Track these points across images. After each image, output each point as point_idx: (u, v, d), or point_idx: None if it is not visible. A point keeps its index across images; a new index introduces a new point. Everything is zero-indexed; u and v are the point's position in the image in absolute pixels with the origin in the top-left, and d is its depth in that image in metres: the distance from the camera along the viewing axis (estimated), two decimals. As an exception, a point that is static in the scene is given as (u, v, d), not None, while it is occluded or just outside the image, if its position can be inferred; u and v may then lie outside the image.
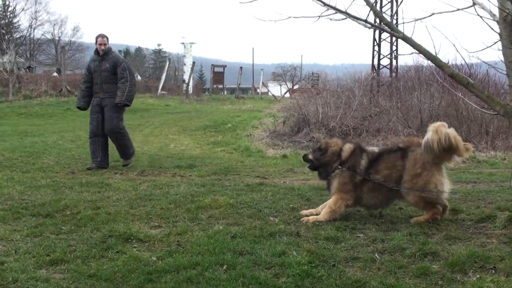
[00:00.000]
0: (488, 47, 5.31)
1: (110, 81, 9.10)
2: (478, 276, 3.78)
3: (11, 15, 61.67)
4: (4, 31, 51.49)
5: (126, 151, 9.34)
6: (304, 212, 5.70)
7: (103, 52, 9.15)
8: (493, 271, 3.87)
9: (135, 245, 4.59)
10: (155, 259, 4.21)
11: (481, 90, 5.56)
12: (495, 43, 5.17)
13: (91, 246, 4.52)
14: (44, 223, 5.28)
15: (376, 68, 23.97)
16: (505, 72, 5.27)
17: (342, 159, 5.61)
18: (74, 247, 4.50)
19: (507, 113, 5.13)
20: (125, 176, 8.34)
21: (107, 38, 9.25)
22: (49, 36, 67.13)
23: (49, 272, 3.94)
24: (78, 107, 9.57)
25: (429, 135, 5.16)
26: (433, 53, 5.38)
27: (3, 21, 59.43)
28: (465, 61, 16.12)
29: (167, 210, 5.86)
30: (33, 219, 5.45)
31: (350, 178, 5.50)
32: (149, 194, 6.71)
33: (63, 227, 5.15)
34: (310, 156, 5.89)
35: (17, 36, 62.59)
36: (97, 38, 9.23)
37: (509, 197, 6.39)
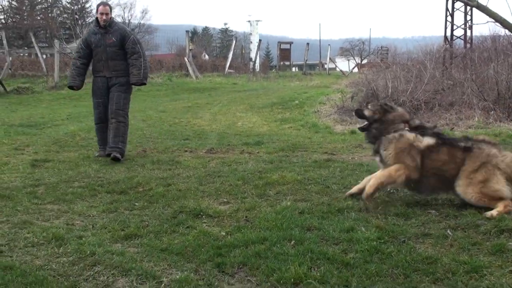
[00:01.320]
0: None
1: (118, 57, 7.88)
2: (558, 254, 3.60)
3: (83, 1, 63.78)
4: (77, 17, 53.34)
5: (121, 141, 7.84)
6: (350, 191, 5.38)
7: (106, 23, 7.81)
8: None
9: (205, 221, 4.70)
10: (224, 234, 4.29)
11: None
12: None
13: (163, 222, 4.66)
14: (118, 200, 5.50)
15: (449, 39, 22.96)
16: None
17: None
18: (146, 223, 4.66)
19: None
20: (194, 154, 8.52)
21: (111, 8, 8.01)
22: (119, 20, 69.12)
23: (124, 246, 4.11)
24: (71, 87, 8.29)
25: None
26: (511, 22, 5.10)
27: (76, 7, 61.57)
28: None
29: (236, 186, 5.94)
30: (108, 196, 5.69)
31: (410, 146, 4.93)
32: (218, 171, 6.82)
33: (136, 203, 5.35)
34: (367, 112, 5.29)
35: (90, 21, 64.86)
36: (98, 6, 7.92)
37: None
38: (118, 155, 7.61)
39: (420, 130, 5.12)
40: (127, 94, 8.04)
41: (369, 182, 5.06)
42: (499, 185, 4.69)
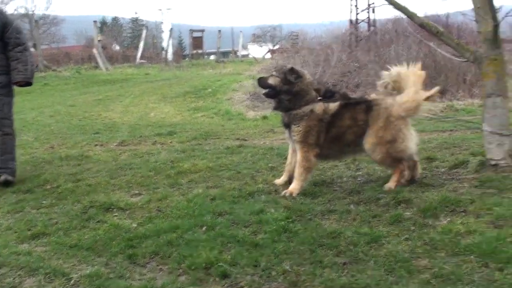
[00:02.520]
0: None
1: None
2: (448, 219, 3.91)
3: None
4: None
5: (10, 159, 6.17)
6: (278, 181, 5.34)
7: None
8: (463, 213, 4.00)
9: (116, 214, 4.65)
10: (135, 225, 4.28)
11: (451, 38, 5.62)
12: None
13: (72, 218, 4.56)
14: (24, 199, 5.31)
15: (354, 23, 23.82)
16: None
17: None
18: (55, 220, 4.55)
19: (476, 59, 5.20)
20: (105, 147, 8.36)
21: None
22: (23, 11, 65.53)
23: (31, 246, 3.99)
24: None
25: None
26: (402, 4, 5.42)
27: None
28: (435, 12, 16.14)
29: (147, 177, 5.91)
30: (14, 196, 5.47)
31: (319, 122, 4.95)
32: (129, 164, 6.74)
33: (43, 202, 5.19)
34: (271, 81, 5.09)
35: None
36: None
37: (482, 142, 6.51)
38: (10, 178, 6.01)
39: (329, 95, 5.13)
40: (10, 98, 6.27)
41: (293, 185, 4.97)
42: (405, 142, 4.89)
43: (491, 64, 5.06)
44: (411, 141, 4.95)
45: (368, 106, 5.01)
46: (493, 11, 4.97)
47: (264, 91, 5.26)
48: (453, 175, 5.21)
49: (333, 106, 5.01)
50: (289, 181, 5.15)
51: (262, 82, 5.23)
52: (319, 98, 5.05)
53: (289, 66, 5.25)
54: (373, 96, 5.24)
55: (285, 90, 5.01)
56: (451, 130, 7.98)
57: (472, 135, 7.07)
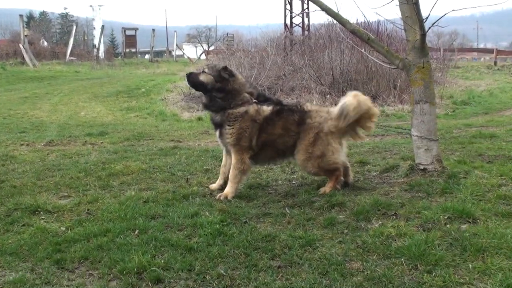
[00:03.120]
0: (387, 3, 5.51)
1: None
2: (380, 222, 4.01)
3: None
4: None
5: None
6: (213, 186, 5.30)
7: None
8: (394, 217, 4.13)
9: (43, 217, 4.46)
10: (64, 229, 4.11)
11: (381, 45, 5.78)
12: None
13: (-5, 222, 4.33)
14: None
15: (289, 27, 24.14)
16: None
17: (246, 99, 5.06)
18: (-24, 224, 4.30)
19: (405, 66, 5.37)
20: (32, 147, 8.01)
21: None
22: None
23: None
24: None
25: (348, 99, 4.97)
26: (335, 10, 5.52)
27: None
28: (366, 19, 16.66)
29: (77, 179, 5.72)
30: None
31: (251, 123, 4.97)
32: (58, 164, 6.50)
33: (-37, 205, 4.89)
34: (203, 78, 5.05)
35: None
36: None
37: (412, 147, 6.75)
38: None
39: (262, 99, 5.15)
40: None
41: (228, 188, 4.96)
42: (335, 155, 5.00)
43: (419, 72, 5.25)
44: (341, 152, 5.08)
45: (301, 118, 5.06)
46: (420, 20, 5.15)
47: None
48: (384, 179, 5.36)
49: (267, 109, 5.04)
50: (225, 183, 5.12)
51: (192, 78, 5.17)
52: (254, 100, 5.06)
53: (222, 64, 5.25)
54: (307, 106, 5.24)
55: (218, 88, 5.00)
56: (382, 135, 8.24)
57: (402, 140, 7.34)
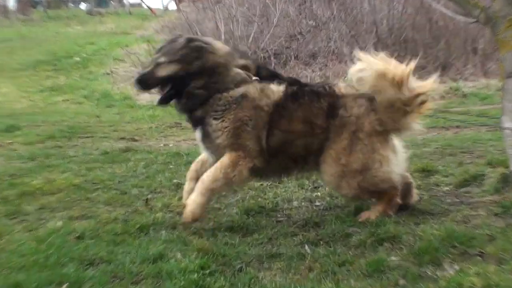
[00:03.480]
0: None
1: None
2: (457, 267, 3.93)
3: None
4: None
5: None
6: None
7: None
8: (480, 258, 4.04)
9: None
10: None
11: (454, -13, 5.70)
12: None
13: None
14: None
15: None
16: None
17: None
18: None
19: (489, 19, 5.28)
20: None
21: None
22: None
23: None
24: None
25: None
26: None
27: None
28: None
29: (-32, 202, 5.67)
30: None
31: (255, 111, 4.93)
32: None
33: None
34: (164, 72, 4.97)
35: None
36: None
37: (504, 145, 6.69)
38: None
39: (265, 75, 5.13)
40: None
41: (191, 195, 4.92)
42: (384, 167, 4.90)
43: (511, 28, 5.16)
44: (394, 161, 4.97)
45: (331, 106, 4.98)
46: None
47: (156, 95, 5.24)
48: (462, 197, 5.30)
49: (277, 90, 4.97)
50: None
51: (149, 80, 5.05)
52: (254, 78, 5.01)
53: (182, 37, 5.09)
54: (340, 88, 5.11)
55: (193, 73, 4.92)
56: (457, 127, 8.16)
57: (488, 135, 7.26)
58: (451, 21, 13.61)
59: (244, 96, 4.91)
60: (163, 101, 5.10)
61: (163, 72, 4.93)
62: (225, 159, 4.92)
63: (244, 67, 5.07)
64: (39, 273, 4.06)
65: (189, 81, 4.93)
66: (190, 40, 4.97)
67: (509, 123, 5.19)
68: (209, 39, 5.19)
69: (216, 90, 4.94)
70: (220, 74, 4.94)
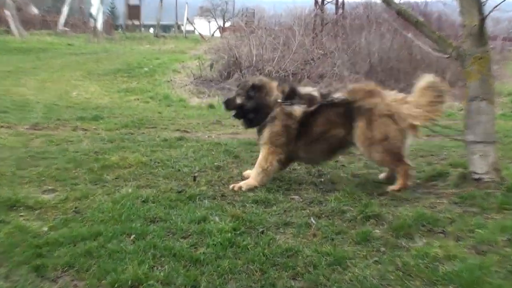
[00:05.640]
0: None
1: None
2: (425, 241, 3.92)
3: None
4: None
5: None
6: (246, 172, 5.67)
7: None
8: (442, 235, 4.03)
9: (22, 213, 4.42)
10: (46, 229, 4.07)
11: (432, 30, 5.65)
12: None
13: (-35, 217, 4.30)
14: None
15: (320, 3, 23.96)
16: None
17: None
18: None
19: (459, 56, 5.23)
20: (14, 130, 8.03)
21: None
22: None
23: None
24: None
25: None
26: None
27: None
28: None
29: (65, 170, 5.70)
30: None
31: (286, 127, 5.32)
32: (43, 152, 6.50)
33: None
34: (239, 101, 5.49)
35: None
36: None
37: (463, 151, 6.60)
38: None
39: (292, 95, 5.42)
40: None
41: (246, 181, 5.30)
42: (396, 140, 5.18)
43: (476, 63, 5.11)
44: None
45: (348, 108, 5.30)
46: (479, 2, 5.01)
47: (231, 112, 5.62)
48: (430, 189, 5.26)
49: (298, 111, 5.33)
50: None
51: (230, 104, 5.53)
52: (278, 101, 5.37)
53: (250, 80, 5.69)
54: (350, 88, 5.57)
55: (250, 108, 5.44)
56: (427, 136, 8.06)
57: (451, 143, 7.17)
58: (427, 55, 13.55)
59: (274, 118, 5.37)
60: (237, 117, 5.64)
61: (239, 100, 5.47)
62: (260, 156, 5.41)
63: (282, 91, 5.46)
64: (114, 226, 4.11)
65: (248, 112, 5.49)
66: (253, 86, 5.50)
67: (470, 136, 5.15)
68: (264, 80, 5.70)
69: (264, 111, 5.42)
70: (261, 108, 5.44)
